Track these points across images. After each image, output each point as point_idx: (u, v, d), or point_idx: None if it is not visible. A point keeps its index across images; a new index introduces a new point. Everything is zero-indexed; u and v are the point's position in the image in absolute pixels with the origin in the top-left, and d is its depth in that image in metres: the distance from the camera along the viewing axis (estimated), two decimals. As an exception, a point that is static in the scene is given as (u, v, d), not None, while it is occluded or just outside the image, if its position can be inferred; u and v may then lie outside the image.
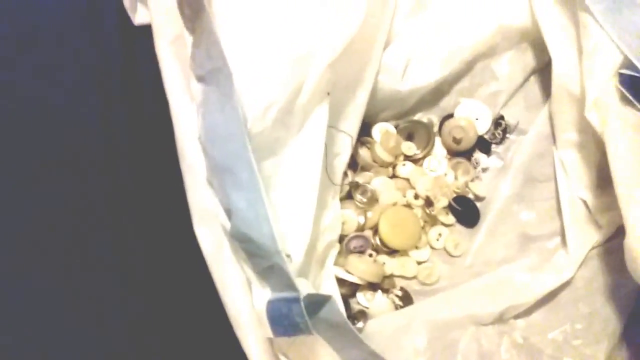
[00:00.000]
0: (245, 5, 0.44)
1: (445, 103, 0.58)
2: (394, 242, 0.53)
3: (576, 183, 0.52)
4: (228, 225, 0.40)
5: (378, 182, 0.55)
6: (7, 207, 0.55)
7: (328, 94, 0.47)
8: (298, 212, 0.45)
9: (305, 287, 0.38)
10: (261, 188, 0.37)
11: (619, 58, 0.44)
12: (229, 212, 0.40)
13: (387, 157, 0.55)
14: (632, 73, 0.43)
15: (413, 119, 0.58)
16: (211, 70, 0.40)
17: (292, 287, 0.37)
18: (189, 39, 0.43)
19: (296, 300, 0.37)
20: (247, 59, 0.42)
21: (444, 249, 0.55)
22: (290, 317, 0.38)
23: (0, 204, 0.55)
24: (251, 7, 0.44)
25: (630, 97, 0.44)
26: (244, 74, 0.41)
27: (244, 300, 0.43)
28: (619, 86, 0.44)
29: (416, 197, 0.55)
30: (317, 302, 0.38)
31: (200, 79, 0.42)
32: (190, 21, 0.42)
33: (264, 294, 0.41)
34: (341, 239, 0.53)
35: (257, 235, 0.37)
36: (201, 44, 0.41)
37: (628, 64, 0.44)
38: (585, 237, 0.50)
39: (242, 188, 0.38)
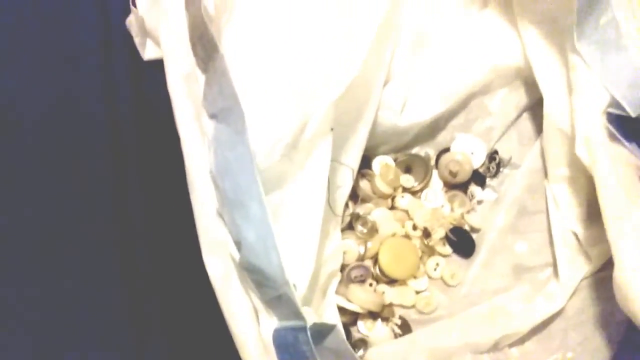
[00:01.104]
0: (254, 47, 0.46)
1: (442, 138, 0.60)
2: (393, 271, 0.55)
3: (567, 216, 0.54)
4: (237, 256, 0.42)
5: (378, 214, 0.57)
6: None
7: (331, 129, 0.49)
8: (302, 243, 0.47)
9: (310, 317, 0.40)
10: (270, 221, 0.39)
11: (607, 98, 0.47)
12: (239, 244, 0.42)
13: (386, 189, 0.57)
14: (619, 112, 0.46)
15: (411, 152, 0.61)
16: (223, 109, 0.42)
17: (299, 316, 0.39)
18: (201, 77, 0.45)
19: (303, 329, 0.39)
20: (257, 98, 0.45)
21: (441, 278, 0.56)
22: (296, 346, 0.39)
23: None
24: (260, 49, 0.46)
25: (618, 135, 0.46)
26: (253, 112, 0.43)
27: (251, 329, 0.44)
28: (607, 124, 0.47)
29: (414, 228, 0.57)
30: (322, 331, 0.40)
31: (213, 116, 0.44)
32: (204, 62, 0.44)
33: (270, 323, 0.43)
34: (342, 268, 0.54)
35: (266, 266, 0.39)
36: (214, 83, 0.43)
37: (615, 103, 0.46)
38: (576, 268, 0.52)
39: (251, 221, 0.40)
